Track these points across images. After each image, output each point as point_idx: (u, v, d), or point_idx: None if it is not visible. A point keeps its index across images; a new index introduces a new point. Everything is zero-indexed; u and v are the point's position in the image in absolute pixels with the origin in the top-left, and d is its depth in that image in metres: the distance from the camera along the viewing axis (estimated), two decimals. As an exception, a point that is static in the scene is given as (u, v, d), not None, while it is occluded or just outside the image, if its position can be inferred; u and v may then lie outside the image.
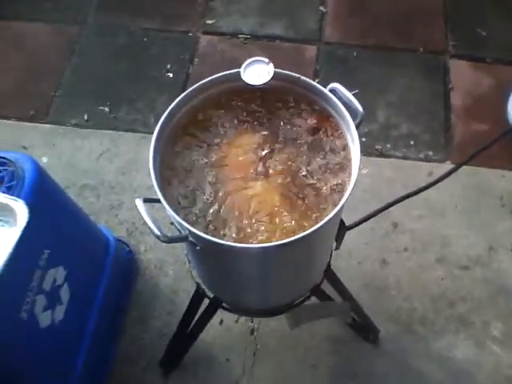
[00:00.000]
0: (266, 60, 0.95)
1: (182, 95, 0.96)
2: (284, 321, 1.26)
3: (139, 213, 0.86)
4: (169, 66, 2.15)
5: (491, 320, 1.59)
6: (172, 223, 0.91)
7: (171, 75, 2.14)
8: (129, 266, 1.69)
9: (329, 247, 1.11)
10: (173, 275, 1.70)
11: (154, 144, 0.91)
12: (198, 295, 1.25)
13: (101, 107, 2.07)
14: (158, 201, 0.90)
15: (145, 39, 2.22)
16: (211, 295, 1.21)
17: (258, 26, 2.26)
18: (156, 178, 0.88)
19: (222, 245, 0.82)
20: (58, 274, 1.24)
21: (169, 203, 0.86)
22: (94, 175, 1.90)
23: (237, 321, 1.61)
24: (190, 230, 0.84)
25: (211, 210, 0.91)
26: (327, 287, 1.28)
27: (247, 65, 0.95)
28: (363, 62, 2.13)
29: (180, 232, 0.88)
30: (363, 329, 1.54)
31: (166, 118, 0.94)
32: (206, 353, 1.56)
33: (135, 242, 1.76)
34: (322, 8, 2.29)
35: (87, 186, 1.87)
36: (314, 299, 1.24)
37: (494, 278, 1.66)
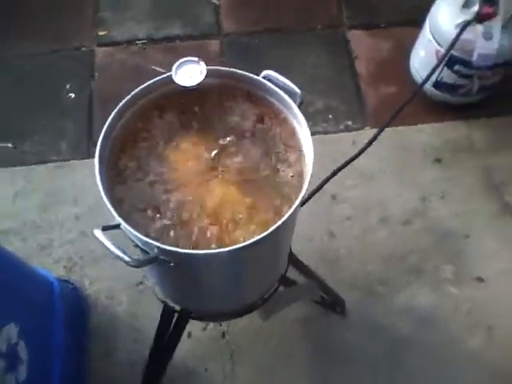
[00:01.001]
0: (196, 59, 0.92)
1: (115, 111, 0.91)
2: (252, 317, 1.25)
3: (102, 243, 0.81)
4: (68, 86, 2.04)
5: (441, 264, 1.69)
6: (136, 246, 0.86)
7: (73, 95, 2.03)
8: (78, 304, 1.60)
9: (292, 232, 1.11)
10: (127, 301, 1.63)
11: (99, 167, 0.85)
12: (168, 312, 1.21)
13: (3, 144, 1.92)
14: (117, 227, 0.86)
15: (37, 64, 2.09)
16: (178, 308, 1.18)
17: (154, 29, 2.20)
18: (111, 203, 0.82)
19: (202, 254, 0.80)
20: (11, 331, 1.15)
21: (131, 226, 0.81)
22: (14, 218, 1.76)
23: (204, 329, 1.58)
24: (161, 248, 0.80)
25: (173, 223, 0.87)
26: (289, 271, 1.28)
27: (177, 66, 0.91)
28: (267, 47, 2.15)
29: (147, 253, 0.84)
30: (329, 303, 1.57)
31: (103, 138, 0.89)
32: (183, 368, 1.52)
33: (77, 277, 1.66)
34: (214, 0, 2.28)
35: (10, 230, 1.73)
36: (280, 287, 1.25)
37: (433, 225, 1.76)
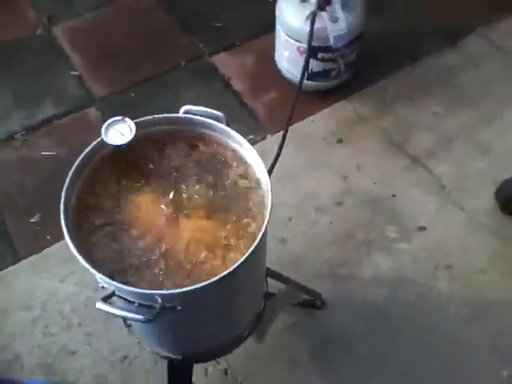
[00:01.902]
0: (121, 117, 0.93)
1: (66, 184, 0.89)
2: (244, 344, 1.26)
3: (109, 313, 0.79)
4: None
5: (384, 228, 1.80)
6: (139, 305, 0.84)
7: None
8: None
9: (266, 251, 1.14)
10: (119, 380, 1.54)
11: (68, 235, 0.83)
12: (173, 364, 1.18)
13: None
14: (112, 295, 0.84)
15: None
16: (179, 357, 1.16)
17: (28, 118, 2.12)
18: (95, 268, 0.81)
19: (206, 285, 0.80)
20: None
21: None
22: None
23: (206, 373, 1.55)
24: (165, 294, 0.79)
25: (161, 271, 0.87)
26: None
27: (106, 128, 0.92)
28: (144, 98, 2.17)
29: (151, 307, 0.83)
30: (308, 301, 1.61)
31: (63, 214, 0.87)
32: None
33: (60, 377, 1.54)
34: (73, 72, 2.26)
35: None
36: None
37: (362, 197, 1.88)
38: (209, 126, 0.98)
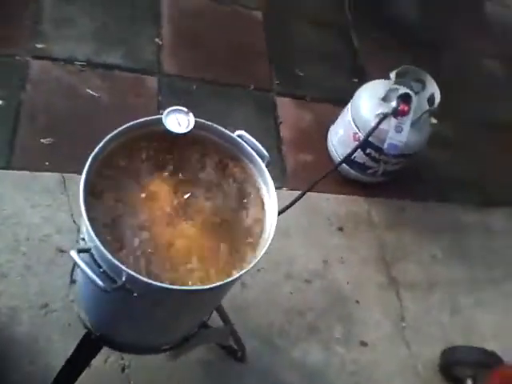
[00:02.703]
0: (186, 110, 1.00)
1: (103, 142, 0.96)
2: (159, 356, 1.29)
3: (77, 264, 0.84)
4: (-4, 93, 1.97)
5: (333, 325, 1.86)
6: (104, 273, 0.89)
7: (1, 102, 1.95)
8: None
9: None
10: (28, 322, 1.56)
11: (83, 196, 0.88)
12: (89, 338, 1.21)
13: None
14: (88, 251, 0.89)
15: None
16: (98, 334, 1.19)
17: (94, 53, 2.21)
18: (92, 227, 0.86)
19: (173, 290, 0.85)
20: None
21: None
22: None
23: (106, 360, 1.57)
24: (131, 276, 0.84)
25: (142, 259, 0.92)
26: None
27: (168, 112, 0.98)
28: (202, 96, 2.26)
29: (114, 282, 0.87)
30: (232, 349, 1.65)
31: (88, 168, 0.92)
32: (79, 399, 1.48)
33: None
34: (157, 40, 2.35)
35: None
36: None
37: (330, 287, 1.94)
38: (251, 159, 1.05)
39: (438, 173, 2.44)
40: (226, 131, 1.06)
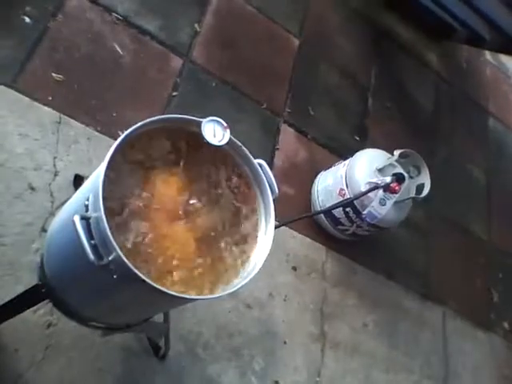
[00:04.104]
0: (225, 124, 1.02)
1: (141, 124, 0.97)
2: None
3: (77, 230, 0.84)
4: (28, 9, 1.92)
5: (256, 355, 1.90)
6: (94, 247, 0.90)
7: (27, 20, 1.91)
8: None
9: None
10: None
11: (105, 170, 0.89)
12: (36, 289, 1.20)
13: None
14: (88, 219, 0.90)
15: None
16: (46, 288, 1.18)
17: (134, 12, 2.19)
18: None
19: (160, 290, 0.87)
20: None
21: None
22: None
23: (35, 312, 1.55)
24: (120, 258, 0.86)
25: (143, 242, 0.94)
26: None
27: (208, 121, 1.01)
28: (218, 95, 2.28)
29: (101, 259, 0.88)
30: (156, 345, 1.66)
31: (119, 144, 0.93)
32: (-5, 339, 1.46)
33: None
34: (196, 26, 2.36)
35: None
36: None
37: (266, 320, 1.99)
38: (263, 190, 1.08)
39: (394, 251, 2.55)
40: (250, 156, 1.09)
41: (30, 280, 1.34)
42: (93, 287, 1.03)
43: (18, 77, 1.81)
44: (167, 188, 1.01)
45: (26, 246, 1.57)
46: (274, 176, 2.20)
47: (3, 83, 1.76)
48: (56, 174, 1.75)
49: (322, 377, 2.01)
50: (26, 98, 1.80)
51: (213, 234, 1.03)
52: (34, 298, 1.22)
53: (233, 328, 1.89)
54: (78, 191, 1.07)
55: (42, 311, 1.56)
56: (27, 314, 1.50)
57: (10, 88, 1.77)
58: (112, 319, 1.22)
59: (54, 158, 1.77)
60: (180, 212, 1.01)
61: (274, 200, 1.10)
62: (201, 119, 1.02)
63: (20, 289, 1.33)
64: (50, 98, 1.84)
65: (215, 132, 1.01)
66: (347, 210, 2.14)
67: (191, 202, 1.02)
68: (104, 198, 0.88)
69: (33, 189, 1.68)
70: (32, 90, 1.81)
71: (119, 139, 0.92)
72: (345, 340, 2.15)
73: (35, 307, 1.52)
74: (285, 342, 1.99)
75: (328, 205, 2.17)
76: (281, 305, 2.05)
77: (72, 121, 1.86)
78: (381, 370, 2.18)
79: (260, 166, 1.10)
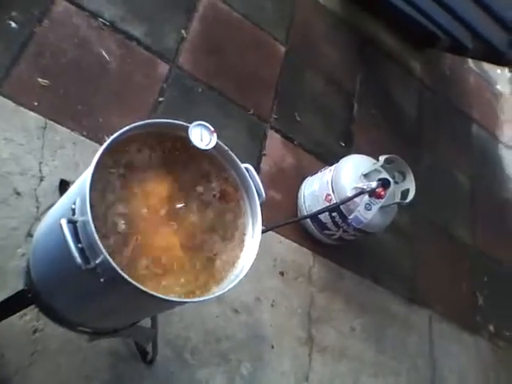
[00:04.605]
0: (212, 129, 1.03)
1: (124, 130, 0.97)
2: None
3: (64, 234, 0.84)
4: (14, 14, 1.92)
5: (243, 360, 1.90)
6: (81, 250, 0.90)
7: (14, 25, 1.91)
8: None
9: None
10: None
11: (93, 172, 0.90)
12: (23, 295, 1.20)
13: None
14: (74, 222, 0.90)
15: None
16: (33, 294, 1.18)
17: (120, 18, 2.20)
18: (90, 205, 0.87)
19: (147, 293, 0.87)
20: None
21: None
22: None
23: (22, 317, 1.54)
24: (107, 261, 0.86)
25: (118, 249, 0.94)
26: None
27: (195, 126, 1.01)
28: (204, 101, 2.29)
29: (88, 262, 0.88)
30: (144, 350, 1.66)
31: (105, 148, 0.94)
32: (-20, 344, 1.45)
33: None
34: (183, 32, 2.37)
35: None
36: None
37: (254, 324, 1.99)
38: (250, 194, 1.09)
39: (381, 256, 2.57)
40: (237, 160, 1.10)
41: (16, 285, 1.33)
42: (80, 291, 1.03)
43: (4, 81, 1.80)
44: (154, 192, 1.02)
45: (11, 251, 1.56)
46: (261, 181, 2.28)
47: (-12, 88, 1.76)
48: (42, 179, 1.74)
49: (310, 381, 2.01)
50: (12, 103, 1.79)
51: (200, 237, 1.03)
52: (20, 303, 1.21)
53: (220, 333, 1.89)
54: (64, 196, 1.07)
55: (29, 317, 1.55)
56: (13, 319, 1.50)
57: (-7, 93, 1.77)
58: (99, 324, 1.22)
59: (40, 163, 1.76)
60: (166, 216, 1.01)
61: (261, 204, 1.11)
62: (188, 124, 1.02)
63: (5, 295, 1.32)
64: (36, 103, 1.84)
65: (202, 136, 1.02)
66: (333, 214, 2.15)
67: (178, 206, 1.03)
68: (91, 202, 0.88)
69: (18, 194, 1.67)
70: (17, 95, 1.81)
71: (106, 143, 0.92)
72: (332, 344, 2.16)
73: (21, 312, 1.52)
74: (272, 347, 1.99)
75: (314, 210, 2.18)
76: (268, 309, 2.05)
77: (58, 126, 1.85)
78: (369, 374, 2.19)
79: (247, 170, 1.11)
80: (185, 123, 1.03)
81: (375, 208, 2.06)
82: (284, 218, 2.22)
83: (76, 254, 0.84)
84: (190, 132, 1.01)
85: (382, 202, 2.05)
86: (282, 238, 2.25)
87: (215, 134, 1.03)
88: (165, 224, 1.00)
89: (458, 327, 2.63)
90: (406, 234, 2.70)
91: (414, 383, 2.31)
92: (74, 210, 0.92)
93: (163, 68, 2.24)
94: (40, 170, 1.75)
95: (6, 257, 1.55)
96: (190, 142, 1.01)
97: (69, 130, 1.87)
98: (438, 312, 2.60)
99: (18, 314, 1.50)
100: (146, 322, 1.51)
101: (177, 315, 1.81)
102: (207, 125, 1.03)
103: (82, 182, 0.92)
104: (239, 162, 1.10)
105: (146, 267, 0.95)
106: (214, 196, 1.08)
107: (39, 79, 1.89)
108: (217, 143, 1.04)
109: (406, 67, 3.34)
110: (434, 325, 2.55)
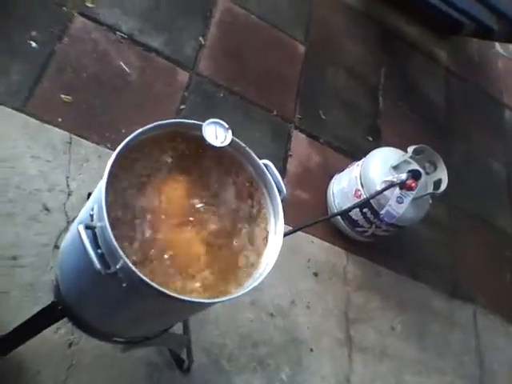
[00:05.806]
0: (226, 126, 1.01)
1: (139, 131, 0.96)
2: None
3: (82, 240, 0.83)
4: (33, 34, 1.95)
5: (282, 365, 1.86)
6: (101, 256, 0.89)
7: (34, 44, 1.94)
8: None
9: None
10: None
11: (108, 175, 0.89)
12: (53, 309, 1.20)
13: None
14: (93, 228, 0.89)
15: (13, -5, 1.98)
16: (62, 306, 1.18)
17: (138, 30, 2.21)
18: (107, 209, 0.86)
19: (168, 295, 0.86)
20: None
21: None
22: None
23: (56, 331, 1.54)
24: (127, 265, 0.85)
25: (140, 253, 0.92)
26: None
27: (209, 123, 0.99)
28: (226, 105, 2.28)
29: (108, 267, 0.87)
30: (179, 357, 1.64)
31: (119, 152, 0.93)
32: (17, 362, 1.46)
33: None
34: (201, 39, 2.37)
35: None
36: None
37: (290, 328, 1.95)
38: (270, 190, 1.06)
39: (417, 250, 2.49)
40: (256, 157, 1.08)
41: (47, 300, 1.34)
42: (105, 299, 1.02)
43: (27, 101, 1.83)
44: (173, 194, 1.00)
45: (43, 267, 1.58)
46: (288, 182, 2.26)
47: (13, 107, 1.79)
48: (70, 194, 1.76)
49: (352, 383, 1.96)
50: (36, 121, 1.82)
51: (222, 237, 1.01)
52: (51, 317, 1.21)
53: (257, 337, 1.86)
54: (85, 204, 1.06)
55: (63, 331, 1.55)
56: (48, 334, 1.51)
57: (20, 112, 1.80)
58: (130, 332, 1.21)
59: (67, 177, 1.78)
60: (187, 217, 0.99)
61: (282, 200, 1.08)
62: (201, 122, 1.01)
63: (38, 309, 1.33)
64: (60, 119, 1.86)
65: (217, 134, 1.00)
66: (364, 210, 2.10)
67: (198, 206, 1.01)
68: (108, 206, 0.87)
69: (48, 210, 1.69)
70: (42, 113, 1.84)
71: (119, 147, 0.92)
72: (372, 344, 2.10)
73: (55, 327, 1.53)
74: (311, 350, 1.95)
75: (344, 207, 2.13)
76: (304, 311, 2.01)
77: (82, 140, 1.87)
78: (412, 372, 2.12)
79: (266, 166, 1.08)
80: (198, 122, 1.01)
81: (407, 201, 2.00)
82: (314, 217, 2.17)
83: (95, 259, 0.83)
84: (204, 130, 0.99)
85: (413, 193, 1.99)
86: (314, 238, 2.21)
87: (230, 131, 1.01)
88: (186, 225, 0.98)
89: (503, 319, 2.52)
90: (442, 225, 2.61)
91: (461, 380, 2.22)
92: (92, 216, 0.91)
93: (183, 76, 2.24)
94: (68, 185, 1.77)
95: (38, 273, 1.57)
96: (204, 140, 0.99)
97: (93, 144, 1.89)
98: (481, 305, 2.49)
99: (52, 328, 1.52)
100: (178, 329, 1.50)
101: (211, 323, 1.79)
102: (221, 122, 1.01)
103: (99, 188, 0.91)
104: (257, 159, 1.08)
105: (168, 270, 0.93)
106: (234, 194, 1.06)
107: (62, 95, 1.91)
108: (232, 140, 1.02)
109: (431, 56, 3.26)
110: (479, 319, 2.45)
